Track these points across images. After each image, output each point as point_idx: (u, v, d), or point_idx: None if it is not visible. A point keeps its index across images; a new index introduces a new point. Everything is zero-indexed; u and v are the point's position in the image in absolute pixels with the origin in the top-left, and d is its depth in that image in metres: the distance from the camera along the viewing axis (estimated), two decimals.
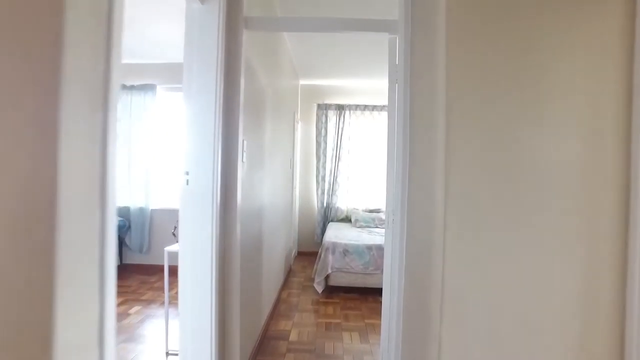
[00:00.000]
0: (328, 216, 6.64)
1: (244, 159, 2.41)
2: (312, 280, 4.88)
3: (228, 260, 2.11)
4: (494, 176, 1.93)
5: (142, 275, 5.19)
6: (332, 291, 4.71)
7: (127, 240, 5.33)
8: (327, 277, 4.66)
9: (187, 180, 1.85)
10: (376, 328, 3.60)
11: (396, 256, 2.18)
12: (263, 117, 3.19)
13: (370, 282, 4.63)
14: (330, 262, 4.61)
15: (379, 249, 4.68)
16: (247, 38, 2.31)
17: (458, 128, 1.94)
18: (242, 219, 2.36)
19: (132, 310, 3.92)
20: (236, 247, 2.15)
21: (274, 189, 4.02)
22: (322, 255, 4.66)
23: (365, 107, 6.61)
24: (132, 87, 5.22)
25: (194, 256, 1.87)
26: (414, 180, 2.04)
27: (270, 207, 3.71)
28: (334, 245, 4.70)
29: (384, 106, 6.59)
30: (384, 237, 5.43)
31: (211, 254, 1.88)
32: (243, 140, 2.37)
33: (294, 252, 6.28)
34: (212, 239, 1.87)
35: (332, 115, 6.65)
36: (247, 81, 2.52)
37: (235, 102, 2.11)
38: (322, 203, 6.64)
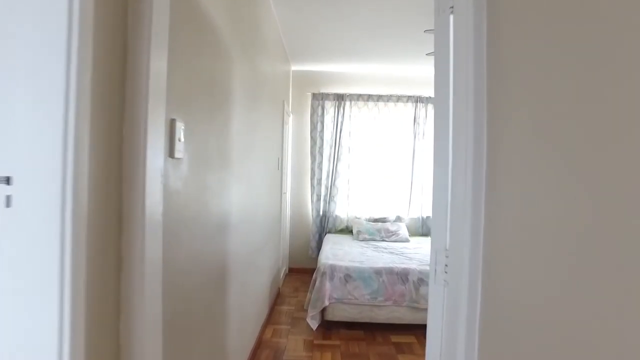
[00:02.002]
0: (325, 227, 5.60)
1: (179, 152, 1.37)
2: (305, 311, 3.84)
3: (130, 306, 1.07)
4: None
5: None
6: (330, 327, 3.67)
7: None
8: (323, 310, 3.61)
9: (8, 199, 0.80)
10: None
11: (452, 336, 1.15)
12: (229, 99, 2.16)
13: (379, 317, 3.59)
14: (327, 291, 3.57)
15: (390, 272, 3.64)
16: None
17: None
18: (172, 238, 1.34)
19: None
20: (148, 283, 1.12)
21: (253, 196, 2.98)
22: (318, 282, 3.61)
23: (369, 97, 5.58)
24: None
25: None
26: (501, 202, 1.01)
27: (244, 219, 2.68)
28: (333, 269, 3.66)
29: (391, 96, 5.56)
30: (393, 256, 4.49)
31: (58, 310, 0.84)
32: (173, 121, 1.34)
33: (283, 270, 5.24)
34: (59, 286, 0.83)
35: (329, 107, 5.61)
36: (193, 29, 1.49)
37: (143, 33, 1.07)
38: (318, 211, 5.60)
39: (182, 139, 1.41)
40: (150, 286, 1.13)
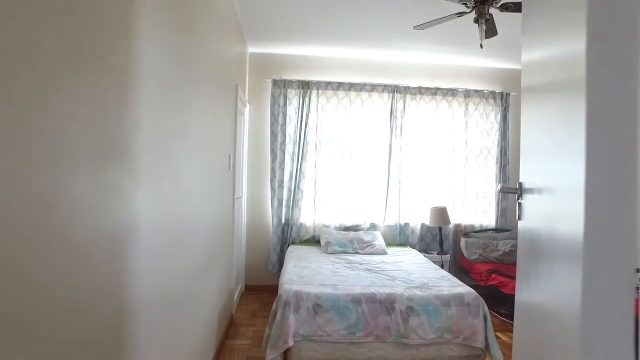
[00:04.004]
0: (288, 237, 4.76)
1: None
2: (262, 347, 2.99)
3: None
4: None
5: None
6: None
7: None
8: (287, 352, 2.79)
9: None
10: None
11: None
12: (129, 65, 1.31)
13: (358, 356, 2.81)
14: (291, 327, 2.75)
15: (371, 300, 2.87)
16: None
17: None
18: None
19: None
20: None
21: (186, 203, 2.11)
22: (279, 315, 2.78)
23: (339, 86, 4.79)
24: None
25: None
26: None
27: (168, 237, 1.82)
28: (298, 297, 2.84)
29: (364, 84, 4.81)
30: (371, 275, 3.18)
31: None
32: None
33: (239, 289, 4.36)
34: None
35: (293, 96, 4.79)
36: None
37: None
38: (280, 218, 4.75)
39: None
40: None
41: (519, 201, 1.17)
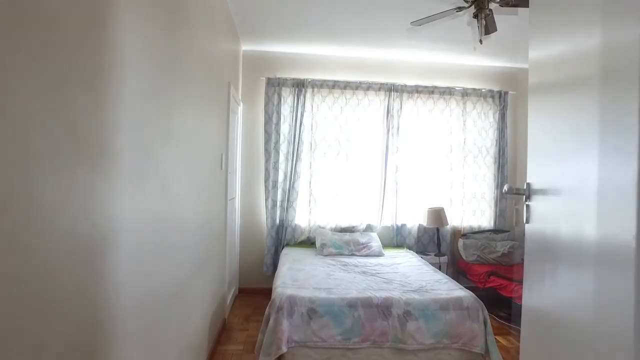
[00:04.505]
0: (282, 239, 4.66)
1: None
2: (255, 354, 2.89)
3: None
4: None
5: None
6: None
7: None
8: (280, 358, 2.69)
9: None
10: None
11: None
12: (110, 56, 1.21)
13: None
14: (285, 333, 2.65)
15: (368, 305, 2.78)
16: None
17: None
18: None
19: None
20: None
21: (173, 205, 2.02)
22: (272, 320, 2.68)
23: (334, 84, 4.70)
24: None
25: None
26: None
27: (155, 242, 1.73)
28: (292, 302, 2.74)
29: (360, 83, 4.72)
30: (368, 278, 3.02)
31: None
32: None
33: (232, 292, 4.26)
34: None
35: (287, 95, 4.69)
36: None
37: None
38: (274, 220, 4.65)
39: None
40: None
41: (527, 203, 1.09)
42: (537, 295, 1.00)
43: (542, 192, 0.98)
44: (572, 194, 0.89)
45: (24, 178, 0.84)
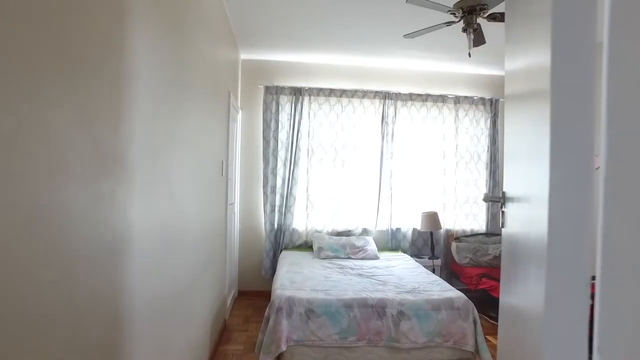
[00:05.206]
0: (280, 242, 4.79)
1: None
2: (255, 352, 3.01)
3: None
4: None
5: None
6: None
7: None
8: (280, 357, 2.81)
9: None
10: None
11: None
12: (123, 72, 1.34)
13: None
14: (284, 332, 2.77)
15: (363, 305, 2.90)
16: None
17: None
18: None
19: None
20: None
21: (179, 211, 2.14)
22: (271, 321, 2.81)
23: (331, 92, 4.84)
24: None
25: None
26: None
27: (163, 246, 1.85)
28: (290, 302, 2.87)
29: (356, 91, 4.86)
30: (363, 280, 3.22)
31: None
32: None
33: (232, 295, 4.37)
34: None
35: (285, 102, 4.83)
36: None
37: None
38: (272, 224, 4.78)
39: None
40: None
41: (503, 209, 1.22)
42: (510, 292, 1.13)
43: (513, 199, 1.11)
44: (525, 200, 1.03)
45: (61, 189, 0.97)
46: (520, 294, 1.01)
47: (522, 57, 1.13)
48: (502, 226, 1.24)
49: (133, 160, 1.44)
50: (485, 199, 1.31)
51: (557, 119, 0.88)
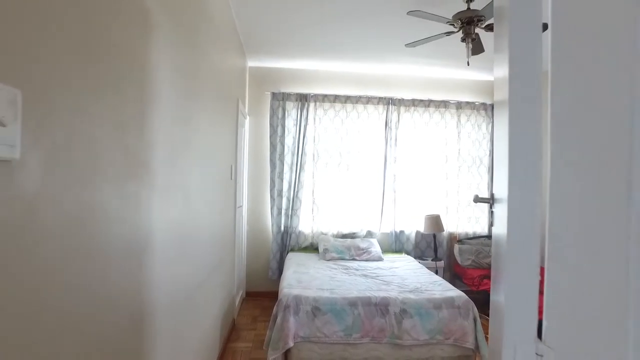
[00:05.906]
0: (287, 244, 4.92)
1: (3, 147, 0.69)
2: (264, 348, 3.14)
3: None
4: None
5: None
6: None
7: None
8: (287, 352, 2.94)
9: None
10: None
11: None
12: (147, 81, 1.49)
13: (355, 357, 2.96)
14: (291, 329, 2.90)
15: (367, 303, 3.02)
16: None
17: None
18: None
19: None
20: None
21: (193, 213, 2.28)
22: (279, 318, 2.94)
23: (335, 98, 4.99)
24: None
25: None
26: None
27: (179, 246, 1.99)
28: (297, 300, 3.00)
29: (360, 97, 5.00)
30: (368, 280, 3.45)
31: None
32: None
33: (240, 295, 4.51)
34: None
35: (291, 108, 4.97)
36: None
37: None
38: (279, 227, 4.92)
39: (18, 120, 0.73)
40: None
41: (492, 210, 1.34)
42: (495, 289, 1.26)
43: (498, 200, 1.24)
44: (502, 201, 1.16)
45: (97, 193, 1.11)
46: (501, 290, 1.15)
47: (501, 68, 1.26)
48: (491, 225, 1.36)
49: (155, 166, 1.58)
50: (475, 200, 1.44)
51: (513, 125, 1.05)
